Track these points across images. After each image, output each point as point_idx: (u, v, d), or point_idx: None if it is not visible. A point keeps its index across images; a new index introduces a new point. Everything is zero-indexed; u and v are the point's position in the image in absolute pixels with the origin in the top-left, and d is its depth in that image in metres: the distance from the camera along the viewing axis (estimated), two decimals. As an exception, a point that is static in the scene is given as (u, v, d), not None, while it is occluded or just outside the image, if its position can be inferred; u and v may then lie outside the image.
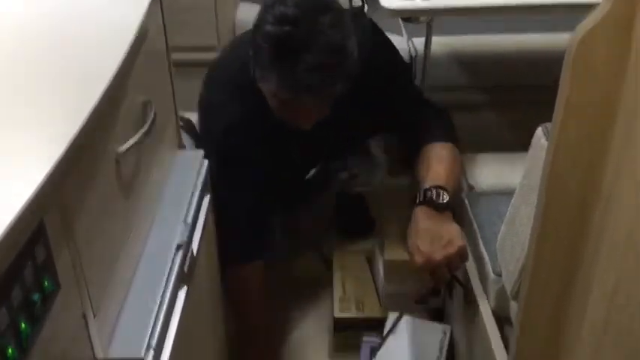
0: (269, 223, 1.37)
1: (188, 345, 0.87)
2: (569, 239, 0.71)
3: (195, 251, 0.93)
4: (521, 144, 0.98)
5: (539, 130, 0.86)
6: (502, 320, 1.09)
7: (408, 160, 1.32)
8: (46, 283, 0.52)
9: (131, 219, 0.79)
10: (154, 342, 0.71)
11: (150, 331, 0.72)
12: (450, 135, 1.29)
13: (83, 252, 0.61)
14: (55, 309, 0.54)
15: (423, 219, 1.13)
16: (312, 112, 1.14)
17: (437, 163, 1.21)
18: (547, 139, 0.77)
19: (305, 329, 1.49)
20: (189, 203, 0.95)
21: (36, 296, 0.50)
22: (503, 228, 1.03)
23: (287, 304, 1.55)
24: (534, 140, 0.90)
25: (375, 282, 1.47)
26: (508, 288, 0.99)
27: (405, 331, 1.29)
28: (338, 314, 1.40)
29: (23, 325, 0.48)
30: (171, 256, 0.84)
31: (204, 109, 1.30)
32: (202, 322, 1.02)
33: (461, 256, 1.10)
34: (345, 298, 1.44)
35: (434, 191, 1.14)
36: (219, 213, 1.14)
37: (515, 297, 0.95)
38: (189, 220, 0.92)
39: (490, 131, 1.64)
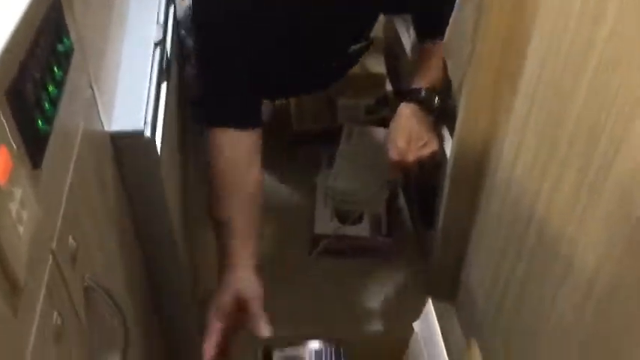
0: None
1: (171, 131, 0.97)
2: (508, 18, 0.81)
3: (168, 53, 0.99)
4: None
5: None
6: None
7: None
8: (65, 40, 0.58)
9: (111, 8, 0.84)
10: (149, 119, 0.80)
11: (144, 111, 0.80)
12: None
13: (81, 20, 0.67)
14: (72, 67, 0.61)
15: (407, 116, 1.10)
16: None
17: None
18: None
19: (269, 144, 1.57)
20: (158, 8, 1.00)
21: (60, 47, 0.57)
22: (448, 31, 1.12)
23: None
24: None
25: (329, 99, 1.58)
26: (456, 82, 1.10)
27: (359, 138, 1.42)
28: (297, 127, 1.51)
29: (56, 70, 0.55)
30: (151, 52, 0.90)
31: None
32: (173, 121, 1.10)
33: (432, 158, 1.09)
34: (302, 114, 1.55)
35: (427, 93, 1.10)
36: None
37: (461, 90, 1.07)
38: (161, 21, 0.97)
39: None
